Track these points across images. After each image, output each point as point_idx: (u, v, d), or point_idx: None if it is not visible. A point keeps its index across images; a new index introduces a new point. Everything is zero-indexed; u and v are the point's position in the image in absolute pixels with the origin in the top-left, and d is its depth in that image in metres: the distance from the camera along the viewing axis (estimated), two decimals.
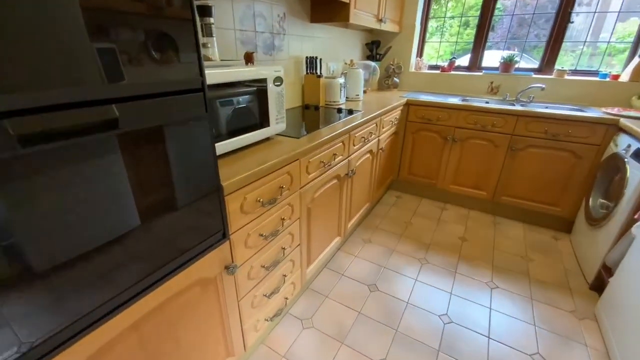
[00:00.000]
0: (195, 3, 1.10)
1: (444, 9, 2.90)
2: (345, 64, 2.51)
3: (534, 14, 2.52)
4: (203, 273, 0.93)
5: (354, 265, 1.91)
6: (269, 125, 1.28)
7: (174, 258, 0.80)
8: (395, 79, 3.00)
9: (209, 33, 1.09)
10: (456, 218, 2.45)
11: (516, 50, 2.67)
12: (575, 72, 2.48)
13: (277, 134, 1.40)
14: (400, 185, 2.88)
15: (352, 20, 1.94)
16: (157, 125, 0.68)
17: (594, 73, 2.41)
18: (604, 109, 2.13)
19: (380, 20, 2.36)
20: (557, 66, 2.50)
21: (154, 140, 0.69)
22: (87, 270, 0.62)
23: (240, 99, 1.11)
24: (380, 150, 2.22)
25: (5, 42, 0.45)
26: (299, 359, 1.34)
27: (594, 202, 1.87)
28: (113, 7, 0.56)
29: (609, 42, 2.34)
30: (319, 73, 2.11)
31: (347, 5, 1.88)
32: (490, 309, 1.60)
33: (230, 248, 1.01)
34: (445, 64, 2.90)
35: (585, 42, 2.42)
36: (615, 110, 2.03)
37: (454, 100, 2.46)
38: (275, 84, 1.24)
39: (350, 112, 1.90)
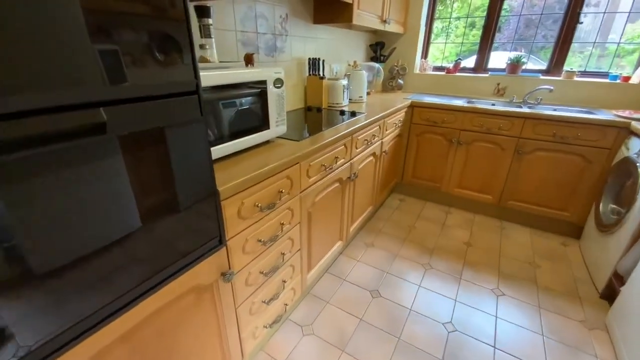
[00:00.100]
0: (194, 4, 1.08)
1: (449, 10, 2.86)
2: (349, 65, 2.48)
3: (541, 14, 2.47)
4: (198, 280, 0.90)
5: (356, 270, 1.87)
6: (268, 128, 1.25)
7: (166, 266, 0.78)
8: (399, 80, 2.96)
9: (207, 34, 1.06)
10: (461, 222, 2.40)
11: (523, 51, 2.62)
12: (584, 73, 2.42)
13: (278, 137, 1.38)
14: (404, 189, 2.84)
15: (355, 21, 1.91)
16: (150, 128, 0.66)
17: (604, 75, 2.35)
18: (614, 112, 2.07)
19: (385, 21, 2.33)
20: (565, 67, 2.44)
21: (146, 144, 0.66)
22: (73, 280, 0.60)
23: (239, 101, 1.09)
24: (384, 153, 2.18)
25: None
26: None
27: (604, 208, 1.81)
28: (104, 7, 0.54)
29: (619, 43, 2.28)
30: (321, 74, 2.08)
31: (350, 6, 1.85)
32: (496, 317, 1.55)
33: (227, 254, 0.98)
34: (451, 66, 2.85)
35: (594, 43, 2.36)
36: (626, 113, 1.97)
37: (460, 103, 2.42)
38: (276, 85, 1.22)
39: (353, 114, 1.87)
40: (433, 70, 3.02)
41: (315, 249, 1.57)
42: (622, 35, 2.25)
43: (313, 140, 1.35)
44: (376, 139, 1.97)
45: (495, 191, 2.35)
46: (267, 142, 1.32)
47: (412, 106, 2.48)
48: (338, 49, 2.45)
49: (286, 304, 1.41)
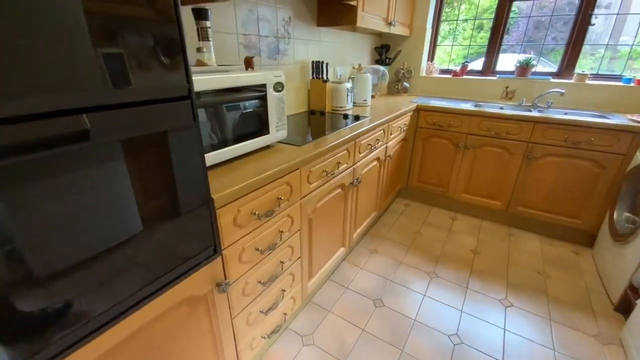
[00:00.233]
0: (192, 6, 1.06)
1: (456, 12, 2.81)
2: (353, 68, 2.45)
3: (551, 16, 2.40)
4: (192, 292, 0.87)
5: (359, 278, 1.82)
6: (268, 133, 1.22)
7: (156, 278, 0.75)
8: (405, 83, 2.92)
9: (205, 37, 1.04)
10: (468, 229, 2.34)
11: (532, 53, 2.56)
12: (596, 76, 2.34)
13: (279, 142, 1.34)
14: (409, 193, 2.79)
15: (359, 24, 1.87)
16: (138, 136, 0.63)
17: (617, 77, 2.28)
18: (629, 116, 1.99)
19: (390, 24, 2.29)
20: (577, 70, 2.37)
21: (136, 151, 0.63)
22: (54, 296, 0.57)
23: (238, 105, 1.06)
24: (388, 158, 2.13)
25: None
26: None
27: (619, 216, 1.74)
28: (92, 9, 0.51)
29: (632, 45, 2.20)
30: (325, 78, 2.05)
31: (354, 8, 1.82)
32: (505, 329, 1.49)
33: (223, 264, 0.95)
34: (458, 68, 2.80)
35: (607, 45, 2.29)
36: None
37: (467, 106, 2.36)
38: (276, 89, 1.19)
39: (356, 118, 1.83)
40: (440, 73, 2.97)
41: (316, 256, 1.53)
42: (635, 36, 2.17)
43: (314, 145, 1.32)
44: (380, 143, 1.93)
45: (504, 197, 2.28)
46: (267, 147, 1.28)
47: (418, 110, 2.43)
48: (342, 52, 2.42)
49: (285, 314, 1.37)
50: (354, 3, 1.79)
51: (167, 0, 0.61)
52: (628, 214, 1.67)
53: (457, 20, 2.83)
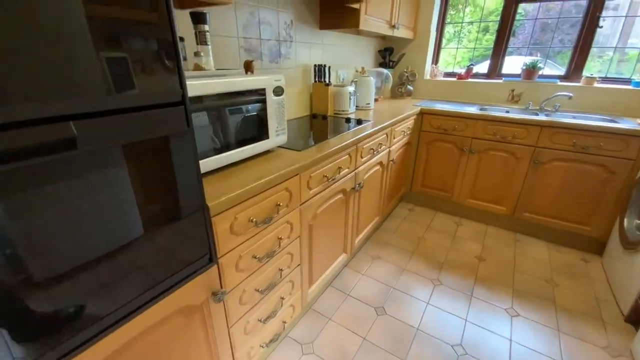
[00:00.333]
0: (190, 10, 1.05)
1: (461, 15, 2.77)
2: (357, 71, 2.43)
3: (558, 18, 2.36)
4: (187, 301, 0.85)
5: (360, 285, 1.79)
6: (268, 138, 1.20)
7: (150, 288, 0.73)
8: (409, 86, 2.89)
9: (203, 41, 1.02)
10: (473, 234, 2.29)
11: (539, 55, 2.51)
12: (605, 79, 2.29)
13: (279, 147, 1.32)
14: (413, 198, 2.75)
15: (362, 27, 1.85)
16: (129, 142, 0.61)
17: (626, 81, 2.22)
18: (639, 120, 1.94)
19: (393, 27, 2.27)
20: (585, 73, 2.32)
21: (128, 158, 0.62)
22: (43, 305, 0.55)
23: (236, 110, 1.04)
24: (391, 162, 2.10)
25: None
26: None
27: (629, 224, 1.68)
28: (83, 11, 0.50)
29: None
30: (327, 81, 2.03)
31: (357, 11, 1.80)
32: (511, 340, 1.45)
33: (219, 272, 0.92)
34: (462, 71, 2.76)
35: (615, 47, 2.24)
36: None
37: (472, 110, 2.32)
38: (276, 94, 1.17)
39: (359, 122, 1.81)
40: (444, 76, 2.93)
41: (317, 262, 1.50)
42: None
43: (315, 150, 1.29)
44: (383, 147, 1.90)
45: (510, 202, 2.24)
46: (267, 152, 1.26)
47: (422, 113, 2.39)
48: (345, 55, 2.40)
49: (285, 322, 1.34)
50: (356, 6, 1.78)
51: (159, 4, 0.59)
52: (639, 222, 1.62)
53: (462, 23, 2.79)
